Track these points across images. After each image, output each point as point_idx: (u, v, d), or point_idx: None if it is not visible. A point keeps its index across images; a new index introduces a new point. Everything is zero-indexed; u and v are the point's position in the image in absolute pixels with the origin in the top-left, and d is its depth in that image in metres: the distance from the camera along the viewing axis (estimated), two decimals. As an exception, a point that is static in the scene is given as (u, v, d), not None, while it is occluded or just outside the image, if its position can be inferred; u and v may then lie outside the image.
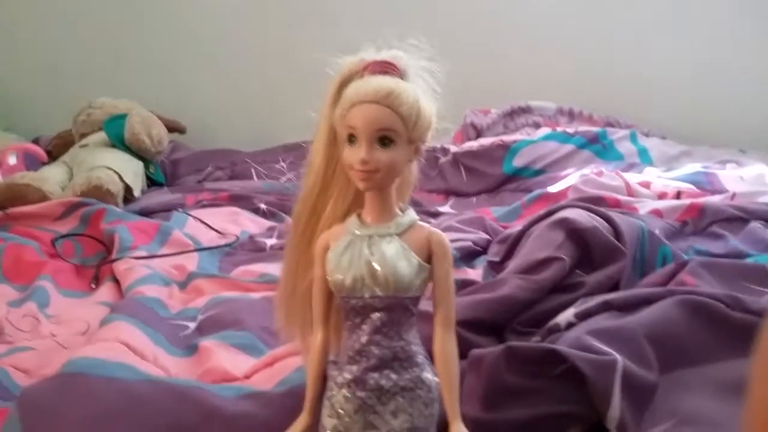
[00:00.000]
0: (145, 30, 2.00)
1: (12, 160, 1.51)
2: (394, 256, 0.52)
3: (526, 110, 1.79)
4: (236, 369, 0.72)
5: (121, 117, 1.61)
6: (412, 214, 0.55)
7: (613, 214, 0.93)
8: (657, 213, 1.21)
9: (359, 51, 0.57)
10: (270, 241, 1.25)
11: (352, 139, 0.52)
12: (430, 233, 0.54)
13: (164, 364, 0.74)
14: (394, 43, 0.57)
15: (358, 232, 0.54)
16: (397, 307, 0.53)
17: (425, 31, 0.58)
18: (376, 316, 0.53)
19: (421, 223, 0.55)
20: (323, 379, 0.55)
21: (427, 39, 0.58)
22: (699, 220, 1.21)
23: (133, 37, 2.00)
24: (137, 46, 1.99)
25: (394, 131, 0.51)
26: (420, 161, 0.60)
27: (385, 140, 0.51)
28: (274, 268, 1.04)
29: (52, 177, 1.44)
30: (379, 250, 0.52)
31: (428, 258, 0.53)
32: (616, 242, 0.86)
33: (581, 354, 0.59)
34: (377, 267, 0.52)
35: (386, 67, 0.53)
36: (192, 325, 0.86)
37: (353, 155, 0.52)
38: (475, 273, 1.05)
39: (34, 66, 2.02)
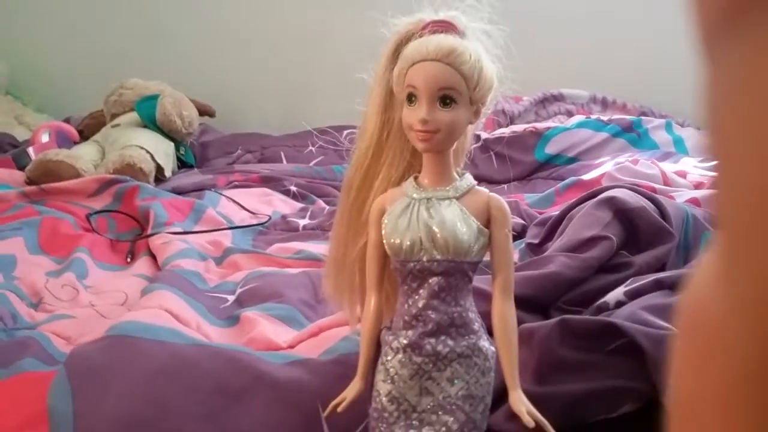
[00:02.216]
0: (177, 12, 2.00)
1: (45, 138, 1.52)
2: (453, 220, 0.51)
3: (558, 98, 1.77)
4: (279, 339, 0.72)
5: (153, 98, 1.61)
6: (470, 178, 0.54)
7: (659, 197, 0.91)
8: (695, 202, 1.19)
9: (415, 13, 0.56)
10: (303, 222, 1.25)
11: (411, 98, 0.51)
12: (490, 198, 0.53)
13: (207, 333, 0.73)
14: (452, 4, 0.56)
15: (416, 195, 0.52)
16: (455, 272, 0.51)
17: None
18: (434, 280, 0.51)
19: (480, 187, 0.54)
20: (377, 345, 0.54)
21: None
22: (739, 210, 1.19)
23: (165, 19, 2.00)
24: (169, 27, 2.00)
25: (455, 90, 0.50)
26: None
27: (446, 99, 0.50)
28: (310, 246, 1.04)
29: (84, 155, 1.45)
30: (438, 213, 0.51)
31: (487, 223, 0.52)
32: (664, 223, 0.84)
33: (640, 328, 0.58)
34: (437, 230, 0.51)
35: (446, 27, 0.52)
36: (231, 298, 0.86)
37: (413, 115, 0.51)
38: (511, 256, 1.04)
39: (66, 46, 2.03)
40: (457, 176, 0.54)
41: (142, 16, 2.01)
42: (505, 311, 0.52)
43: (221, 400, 0.58)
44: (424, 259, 0.51)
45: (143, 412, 0.57)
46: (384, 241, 0.53)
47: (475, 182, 0.54)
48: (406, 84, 0.51)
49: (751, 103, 0.10)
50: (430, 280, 0.51)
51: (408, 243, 0.51)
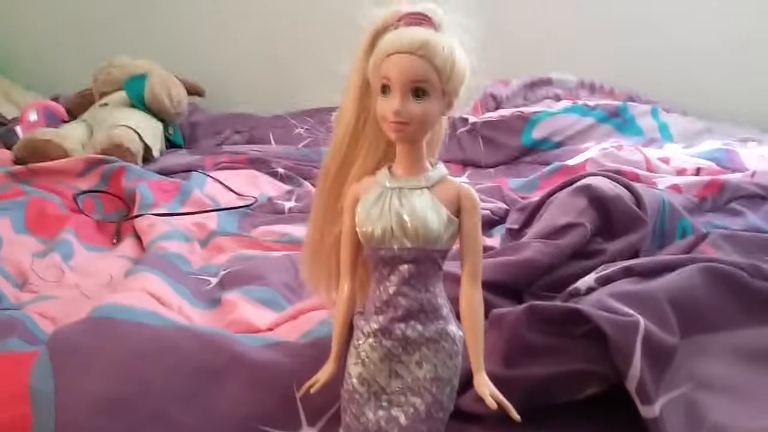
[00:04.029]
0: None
1: (33, 117, 1.52)
2: (423, 209, 0.52)
3: (546, 82, 1.78)
4: (259, 321, 0.73)
5: (142, 77, 1.61)
6: (442, 169, 0.55)
7: (635, 185, 0.93)
8: (676, 188, 1.21)
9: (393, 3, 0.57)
10: (289, 204, 1.26)
11: (385, 90, 0.52)
12: (460, 188, 0.54)
13: (188, 315, 0.75)
14: None
15: (388, 184, 0.54)
16: (425, 260, 0.53)
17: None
18: (404, 267, 0.53)
19: (451, 177, 0.55)
20: (350, 329, 0.56)
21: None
22: (718, 197, 1.21)
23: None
24: (158, 5, 1.99)
25: (428, 83, 0.51)
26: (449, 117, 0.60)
27: (418, 92, 0.51)
28: (294, 229, 1.05)
29: (72, 134, 1.45)
30: (409, 202, 0.53)
31: (457, 212, 0.54)
32: (638, 211, 0.86)
33: (604, 314, 0.59)
34: (407, 219, 0.52)
35: (421, 19, 0.53)
36: (214, 280, 0.87)
37: (386, 106, 0.52)
38: (492, 241, 1.05)
39: (55, 24, 2.02)
40: (429, 166, 0.55)
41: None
42: (472, 297, 0.54)
43: (199, 380, 0.60)
44: (395, 246, 0.53)
45: (123, 392, 0.58)
46: (357, 229, 0.54)
47: (447, 172, 0.55)
48: (381, 75, 0.52)
49: None
50: (401, 267, 0.53)
51: (379, 231, 0.52)
